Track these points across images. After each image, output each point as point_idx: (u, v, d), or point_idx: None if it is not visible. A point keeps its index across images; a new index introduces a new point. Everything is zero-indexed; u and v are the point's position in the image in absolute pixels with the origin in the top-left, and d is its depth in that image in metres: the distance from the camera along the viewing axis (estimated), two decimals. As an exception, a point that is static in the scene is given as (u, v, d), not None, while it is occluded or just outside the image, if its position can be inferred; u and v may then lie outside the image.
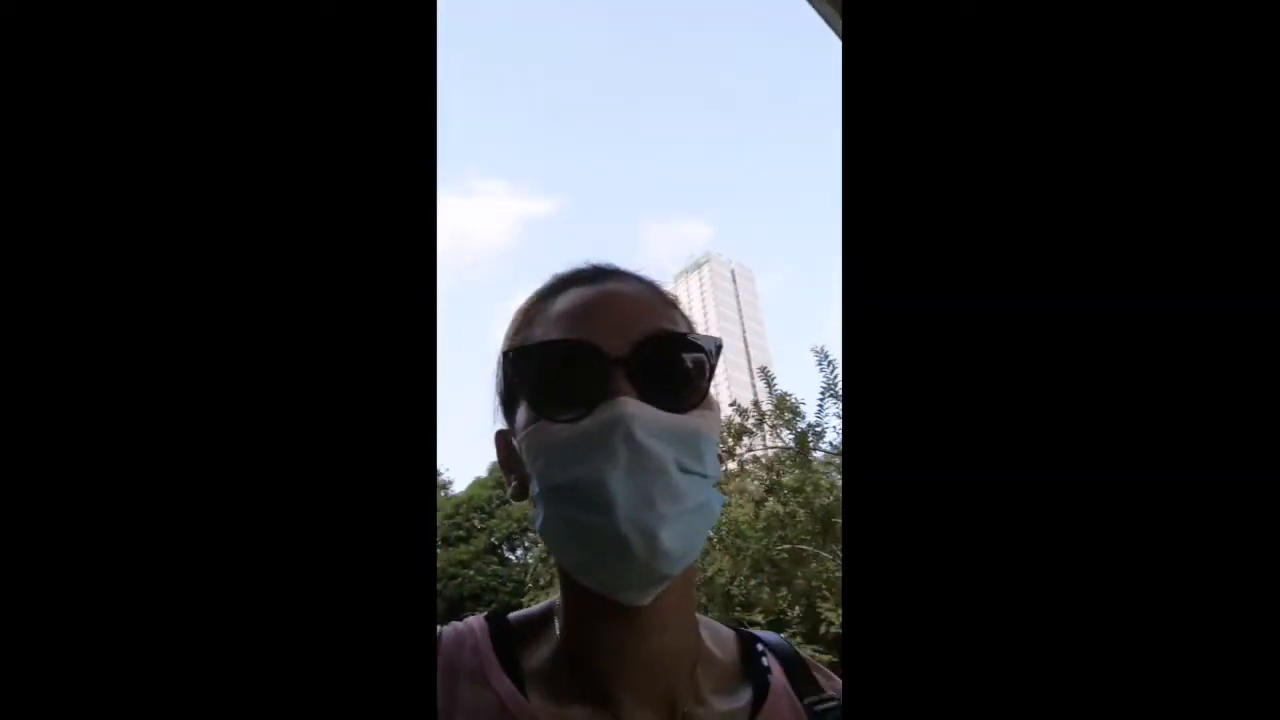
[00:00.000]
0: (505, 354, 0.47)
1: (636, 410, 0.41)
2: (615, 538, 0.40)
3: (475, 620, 0.49)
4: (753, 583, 4.80)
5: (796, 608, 4.92)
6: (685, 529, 0.41)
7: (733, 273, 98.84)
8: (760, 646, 0.51)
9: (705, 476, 0.44)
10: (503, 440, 0.50)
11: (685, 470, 0.42)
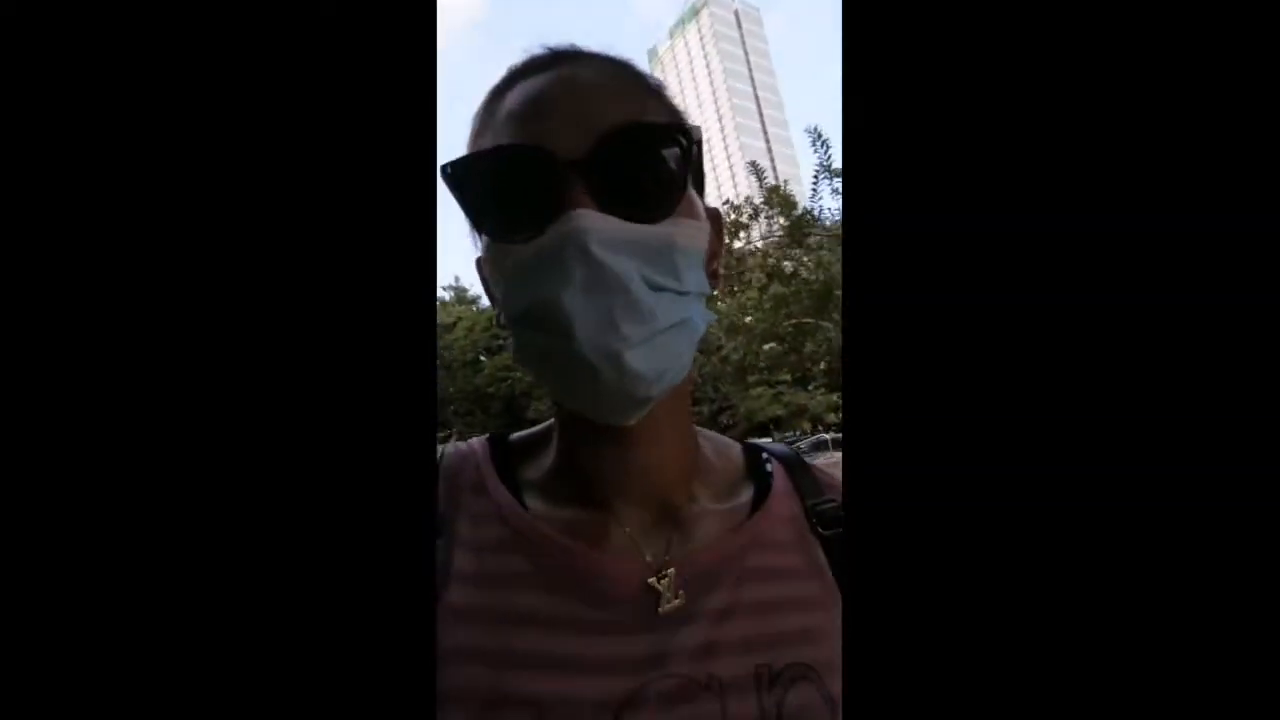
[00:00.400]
0: (443, 169, 0.40)
1: (591, 224, 0.36)
2: (579, 363, 0.36)
3: (477, 440, 0.49)
4: (765, 350, 5.33)
5: (821, 363, 5.32)
6: (658, 350, 0.38)
7: (736, 14, 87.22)
8: (765, 455, 0.51)
9: (682, 293, 0.39)
10: (481, 268, 0.45)
11: (656, 287, 0.38)
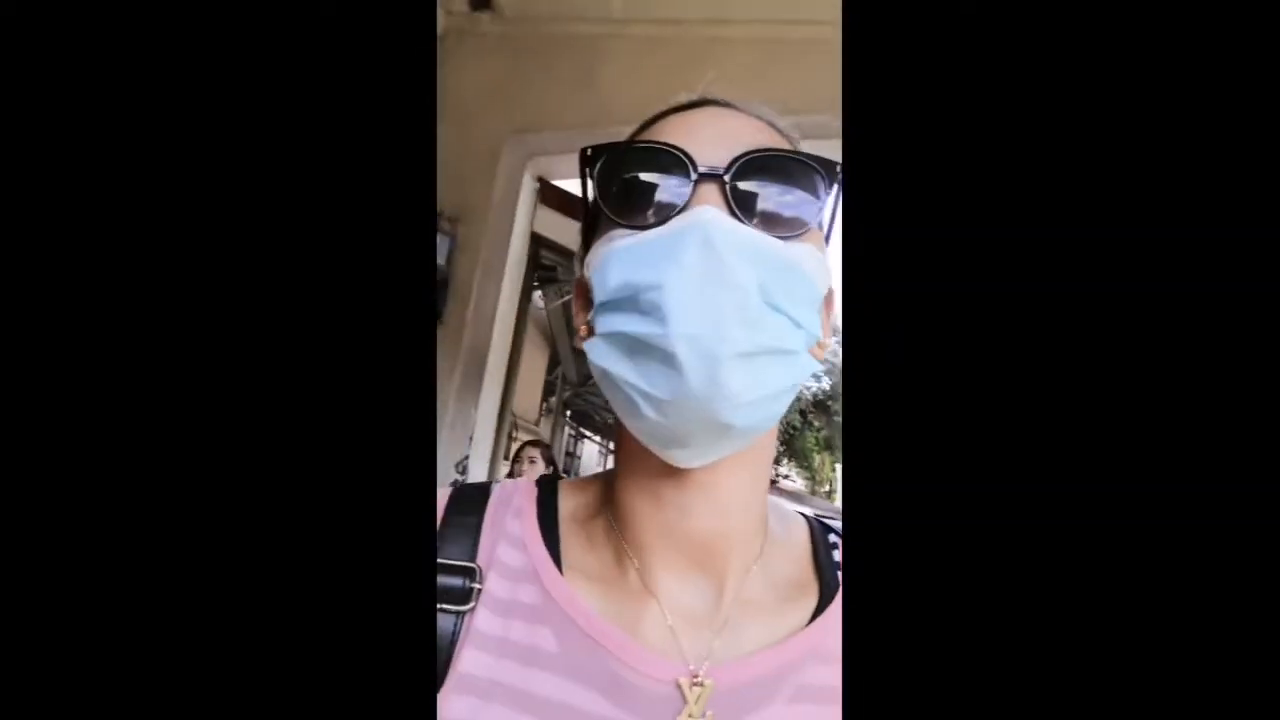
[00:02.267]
0: (583, 152, 0.39)
1: (719, 219, 0.34)
2: (667, 358, 0.32)
3: (524, 481, 0.45)
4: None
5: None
6: (759, 372, 0.33)
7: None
8: (833, 538, 0.44)
9: (796, 323, 0.35)
10: (580, 290, 0.42)
11: (772, 304, 0.34)
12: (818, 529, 0.45)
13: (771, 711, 0.36)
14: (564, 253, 2.53)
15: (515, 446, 2.90)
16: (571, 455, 9.31)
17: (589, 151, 0.39)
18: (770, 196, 0.37)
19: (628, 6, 1.88)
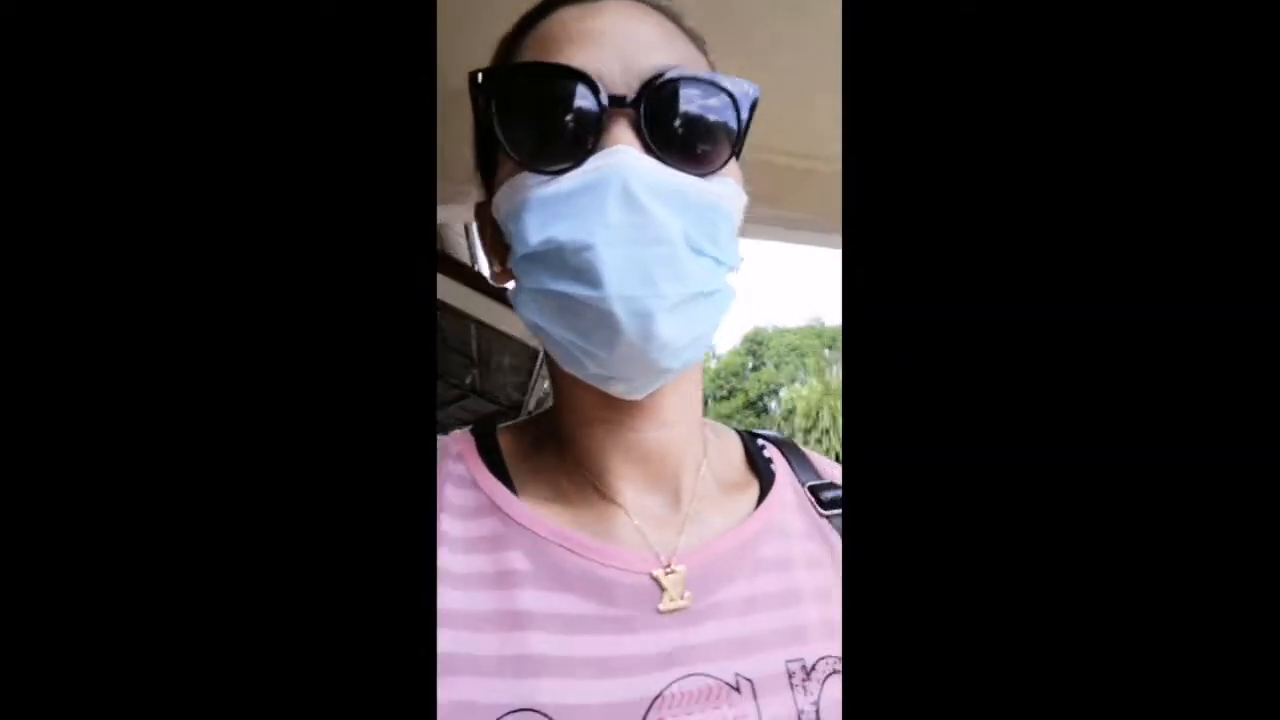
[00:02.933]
0: (472, 76, 0.37)
1: (637, 163, 0.33)
2: (603, 317, 0.33)
3: (458, 432, 0.45)
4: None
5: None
6: (690, 317, 0.35)
7: None
8: (760, 441, 0.49)
9: (719, 261, 0.36)
10: (483, 214, 0.41)
11: (696, 249, 0.35)
12: (746, 436, 0.50)
13: (738, 585, 0.39)
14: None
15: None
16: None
17: (479, 77, 0.36)
18: (687, 127, 0.35)
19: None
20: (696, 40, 0.40)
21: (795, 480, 0.46)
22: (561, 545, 0.38)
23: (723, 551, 0.40)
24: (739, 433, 0.50)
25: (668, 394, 0.40)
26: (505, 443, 0.44)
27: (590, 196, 0.33)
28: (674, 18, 0.40)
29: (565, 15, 0.38)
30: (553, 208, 0.34)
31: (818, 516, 0.45)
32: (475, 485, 0.40)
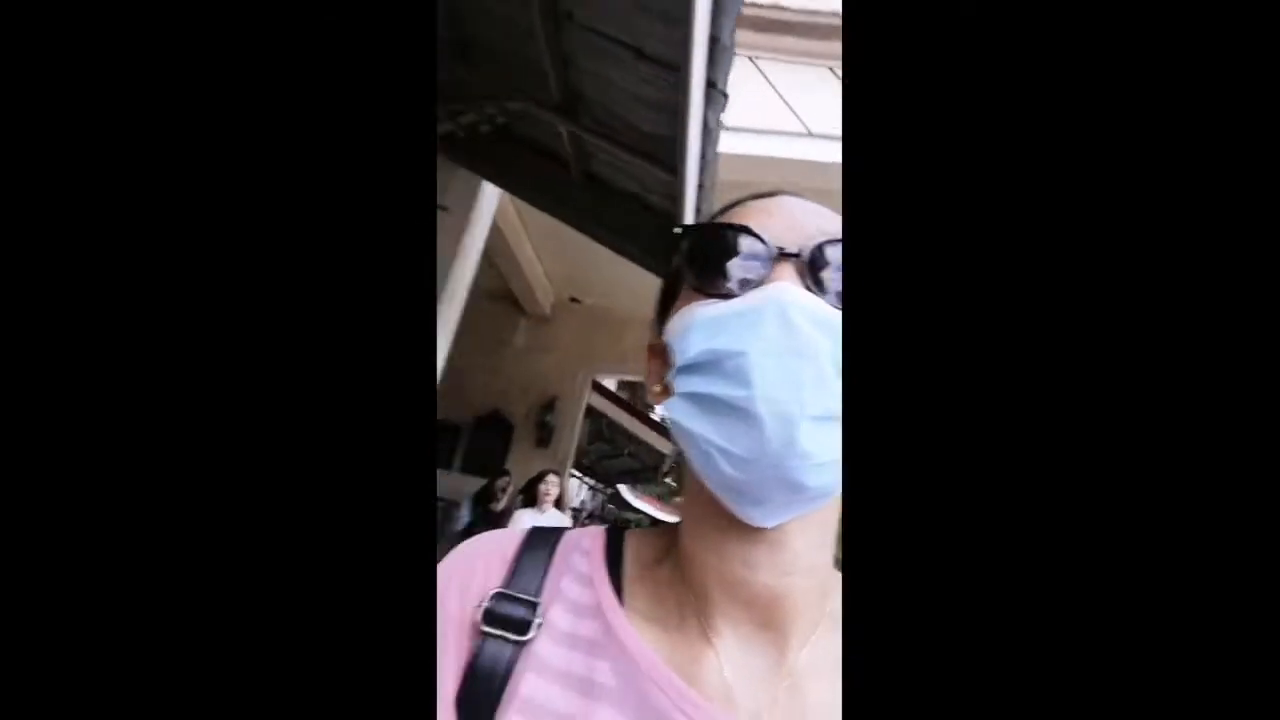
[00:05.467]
0: (673, 230, 0.44)
1: (797, 294, 0.37)
2: (748, 418, 0.35)
3: (594, 528, 0.47)
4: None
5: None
6: (831, 435, 0.36)
7: None
8: None
9: None
10: (653, 353, 0.45)
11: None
12: None
13: None
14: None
15: (534, 472, 4.00)
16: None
17: (678, 230, 0.43)
18: (840, 277, 0.39)
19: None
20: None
21: None
22: (648, 675, 0.38)
23: None
24: None
25: (794, 534, 0.39)
26: (631, 547, 0.45)
27: (752, 316, 0.37)
28: (833, 209, 0.45)
29: (752, 204, 0.45)
30: (717, 324, 0.38)
31: None
32: (590, 584, 0.42)
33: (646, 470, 9.06)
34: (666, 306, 0.44)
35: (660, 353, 0.43)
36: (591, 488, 10.29)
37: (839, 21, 3.57)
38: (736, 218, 0.43)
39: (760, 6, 3.70)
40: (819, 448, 0.35)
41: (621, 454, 8.91)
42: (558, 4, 1.79)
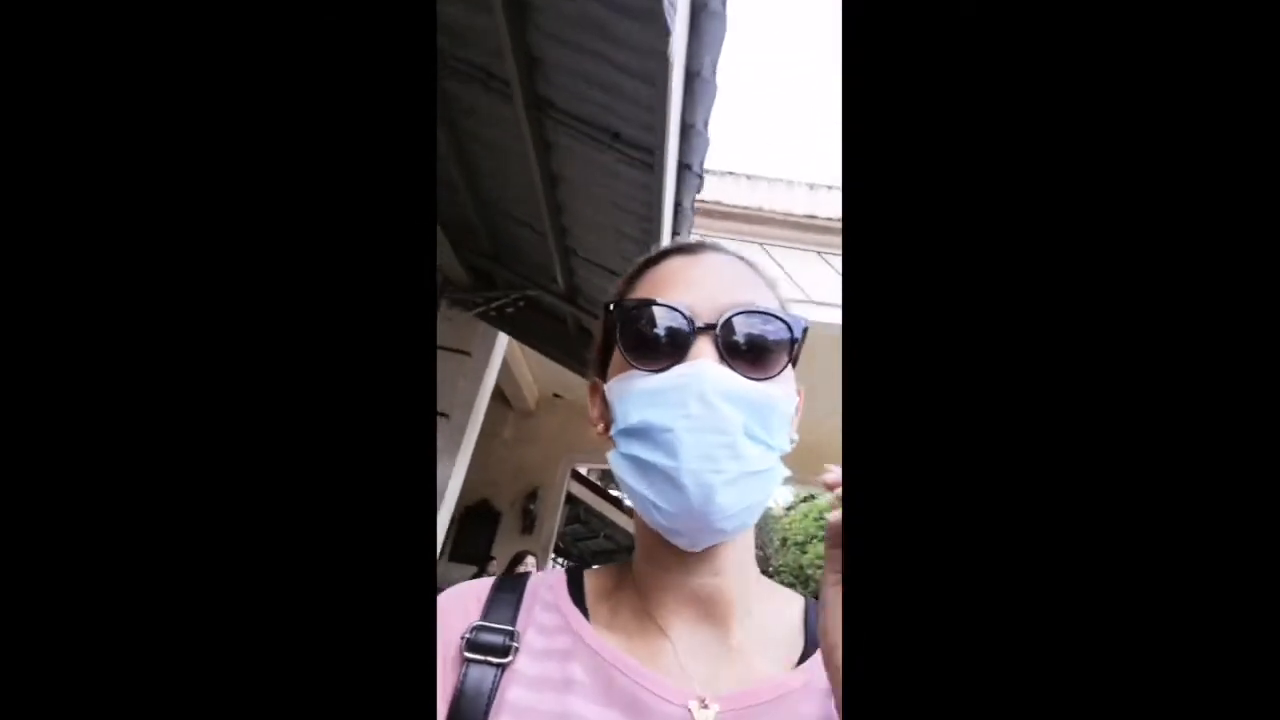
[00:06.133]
0: (606, 306, 0.50)
1: (713, 372, 0.44)
2: (676, 483, 0.43)
3: (556, 570, 0.55)
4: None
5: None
6: (743, 491, 0.44)
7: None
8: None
9: (770, 447, 0.46)
10: (594, 390, 0.53)
11: (753, 438, 0.45)
12: (810, 601, 0.54)
13: None
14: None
15: (513, 554, 4.94)
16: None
17: (610, 307, 0.50)
18: (750, 345, 0.47)
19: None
20: (769, 282, 0.53)
21: None
22: (614, 665, 0.46)
23: (762, 698, 0.45)
24: (807, 598, 0.55)
25: (721, 549, 0.48)
26: (590, 580, 0.54)
27: (677, 394, 0.45)
28: (752, 266, 0.54)
29: (674, 263, 0.52)
30: (649, 397, 0.46)
31: None
32: (558, 609, 0.50)
33: (621, 550, 9.71)
34: (605, 357, 0.52)
35: (600, 394, 0.52)
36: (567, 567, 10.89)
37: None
38: (662, 280, 0.50)
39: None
40: (732, 502, 0.44)
41: (597, 535, 9.68)
42: (561, 217, 2.50)
